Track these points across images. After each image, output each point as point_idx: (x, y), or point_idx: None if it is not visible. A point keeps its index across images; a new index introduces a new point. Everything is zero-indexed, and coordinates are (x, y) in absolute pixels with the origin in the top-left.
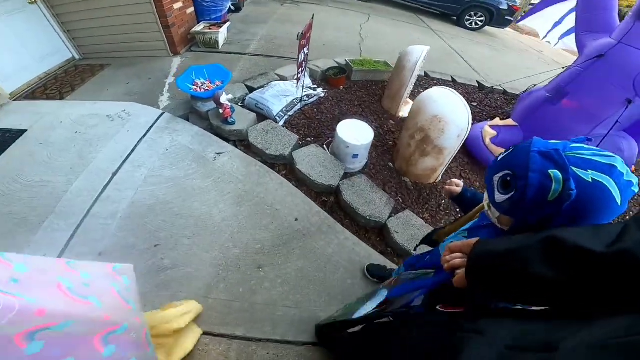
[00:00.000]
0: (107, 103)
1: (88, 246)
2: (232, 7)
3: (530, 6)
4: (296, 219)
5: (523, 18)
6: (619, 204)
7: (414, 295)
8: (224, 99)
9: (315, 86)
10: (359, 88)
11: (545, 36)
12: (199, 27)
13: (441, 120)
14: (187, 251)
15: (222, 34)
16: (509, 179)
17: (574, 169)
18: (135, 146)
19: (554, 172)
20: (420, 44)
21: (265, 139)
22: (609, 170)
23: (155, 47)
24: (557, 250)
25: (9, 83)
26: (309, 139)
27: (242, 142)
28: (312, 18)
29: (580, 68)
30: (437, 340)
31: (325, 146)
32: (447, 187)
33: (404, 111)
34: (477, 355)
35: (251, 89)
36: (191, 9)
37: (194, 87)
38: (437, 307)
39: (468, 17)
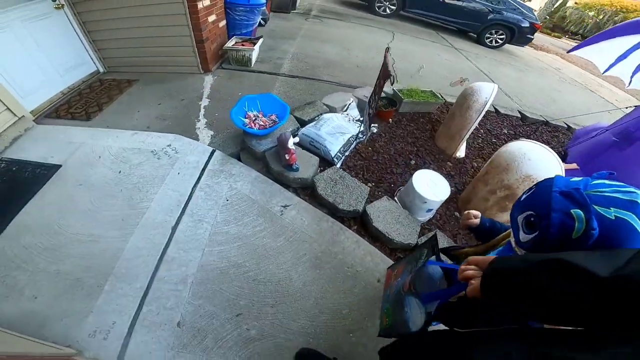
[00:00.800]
0: (148, 135)
1: (163, 315)
2: (262, 22)
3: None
4: (378, 280)
5: (576, 48)
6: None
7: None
8: (291, 143)
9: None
10: (408, 121)
11: (607, 70)
12: (231, 43)
13: (534, 180)
14: (273, 320)
15: (255, 52)
16: (532, 219)
17: (596, 207)
18: (191, 194)
19: (577, 212)
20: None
21: (335, 190)
22: (631, 206)
23: (186, 62)
24: (562, 272)
25: (30, 99)
26: (370, 184)
27: (304, 190)
28: (388, 50)
29: None
30: None
31: (396, 198)
32: (465, 221)
33: (461, 151)
34: None
35: (301, 122)
36: (223, 22)
37: (247, 120)
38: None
39: (488, 35)
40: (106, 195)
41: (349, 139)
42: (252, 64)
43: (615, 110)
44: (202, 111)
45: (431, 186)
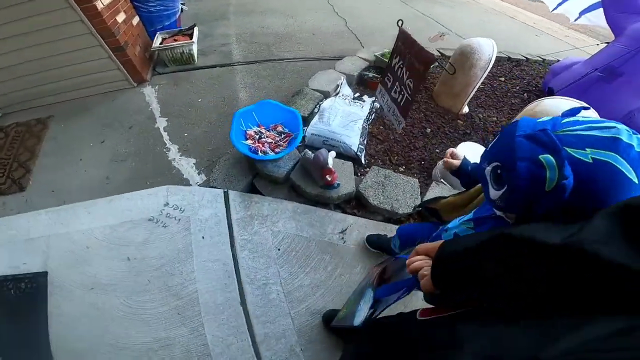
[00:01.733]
0: (128, 198)
1: None
2: (183, 7)
3: None
4: None
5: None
6: (636, 180)
7: (398, 295)
8: (331, 161)
9: (359, 94)
10: None
11: (556, 8)
12: (157, 41)
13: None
14: None
15: (195, 44)
16: (499, 171)
17: (568, 150)
18: (235, 258)
19: (546, 158)
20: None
21: (386, 194)
22: (612, 144)
23: (107, 78)
24: (509, 246)
25: None
26: (401, 168)
27: (347, 202)
28: (401, 23)
29: (633, 51)
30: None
31: (436, 174)
32: (446, 160)
33: (465, 107)
34: None
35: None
36: (137, 19)
37: (250, 142)
38: (417, 315)
39: None
40: (135, 292)
41: (362, 126)
42: (196, 59)
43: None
44: (166, 136)
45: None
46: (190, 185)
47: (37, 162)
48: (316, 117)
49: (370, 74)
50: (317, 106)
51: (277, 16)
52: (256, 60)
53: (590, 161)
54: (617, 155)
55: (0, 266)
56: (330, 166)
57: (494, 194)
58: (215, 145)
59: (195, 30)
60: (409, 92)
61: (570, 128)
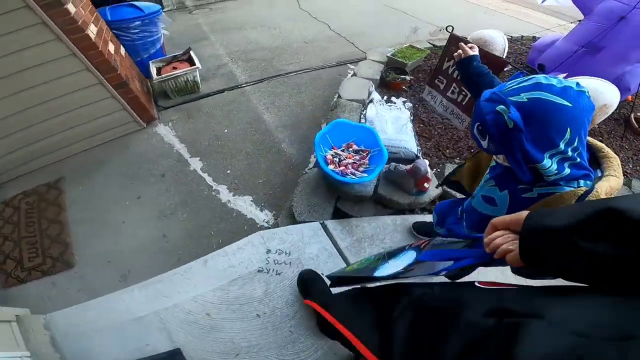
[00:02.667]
0: (222, 255)
1: None
2: (165, 32)
3: None
4: None
5: None
6: (568, 104)
7: (445, 265)
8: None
9: (386, 97)
10: (414, 82)
11: None
12: (153, 72)
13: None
14: None
15: (198, 70)
16: (480, 127)
17: (510, 98)
18: None
19: (499, 107)
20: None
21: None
22: (536, 86)
23: (115, 122)
24: (619, 223)
25: None
26: (456, 160)
27: (433, 203)
28: (451, 30)
29: (607, 27)
30: (476, 327)
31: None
32: (460, 49)
33: None
34: (542, 345)
35: None
36: (123, 50)
37: (332, 166)
38: (476, 283)
39: None
40: (283, 346)
41: (411, 127)
42: (200, 86)
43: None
44: (207, 177)
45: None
46: (258, 224)
47: (72, 233)
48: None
49: (391, 76)
50: (362, 116)
51: (259, 30)
52: (263, 78)
53: (526, 100)
54: (541, 92)
55: (126, 353)
56: (429, 175)
57: (484, 144)
58: (265, 177)
59: (193, 55)
60: (461, 99)
61: (509, 86)
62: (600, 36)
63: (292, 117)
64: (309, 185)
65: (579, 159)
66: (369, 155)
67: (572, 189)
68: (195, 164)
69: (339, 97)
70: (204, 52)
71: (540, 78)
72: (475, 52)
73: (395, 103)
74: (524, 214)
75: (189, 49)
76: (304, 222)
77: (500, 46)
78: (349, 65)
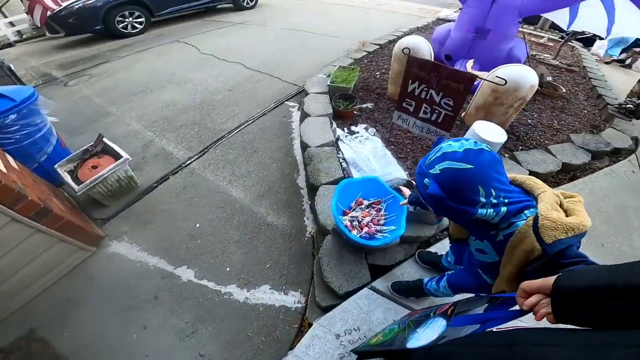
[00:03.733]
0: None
1: None
2: (53, 118)
3: None
4: None
5: None
6: (471, 166)
7: (474, 328)
8: None
9: (346, 129)
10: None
11: None
12: (65, 177)
13: (534, 85)
14: None
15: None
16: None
17: (430, 171)
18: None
19: (425, 180)
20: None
21: None
22: (442, 157)
23: (56, 258)
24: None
25: None
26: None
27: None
28: (408, 52)
29: (485, 11)
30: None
31: None
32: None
33: None
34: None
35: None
36: (12, 160)
37: (355, 231)
38: (493, 329)
39: None
40: None
41: (389, 154)
42: (137, 181)
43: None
44: (208, 283)
45: (489, 131)
46: (291, 308)
47: None
48: (354, 172)
49: (342, 105)
50: (342, 159)
51: (168, 88)
52: (207, 147)
53: (439, 172)
54: (447, 161)
55: None
56: None
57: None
58: (271, 260)
59: (110, 142)
60: (449, 109)
61: (430, 157)
62: (482, 20)
63: (262, 183)
64: (333, 256)
65: (507, 200)
66: (384, 206)
67: (524, 221)
68: (186, 273)
69: (308, 146)
70: (115, 133)
71: (445, 147)
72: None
73: (358, 132)
74: (550, 280)
75: (101, 136)
76: (347, 292)
77: (426, 50)
78: (287, 103)
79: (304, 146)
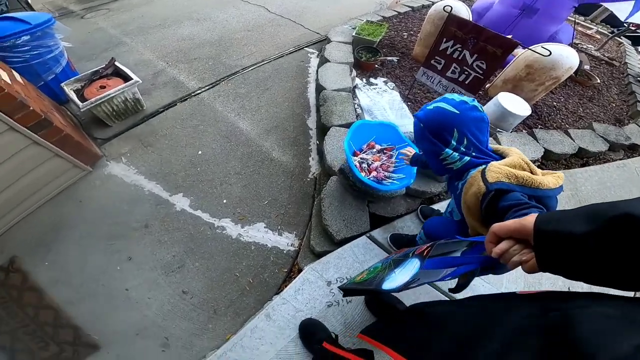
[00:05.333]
0: (280, 303)
1: None
2: (66, 44)
3: None
4: None
5: None
6: (456, 112)
7: (449, 271)
8: None
9: (365, 80)
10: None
11: None
12: (72, 96)
13: (572, 68)
14: None
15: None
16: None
17: (426, 107)
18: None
19: (416, 114)
20: None
21: None
22: (441, 100)
23: (49, 175)
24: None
25: None
26: None
27: None
28: (449, 9)
29: None
30: (516, 327)
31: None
32: (406, 155)
33: None
34: (600, 324)
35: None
36: (18, 76)
37: (364, 174)
38: (516, 292)
39: None
40: None
41: (406, 108)
42: (144, 104)
43: None
44: (203, 215)
45: (513, 103)
46: (284, 250)
47: (74, 315)
48: (368, 119)
49: (365, 57)
50: (357, 106)
51: (187, 24)
52: (219, 80)
53: (432, 107)
54: (442, 102)
55: None
56: None
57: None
58: (270, 196)
59: (121, 65)
60: (480, 72)
61: (429, 105)
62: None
63: (271, 119)
64: (335, 198)
65: (474, 154)
66: (396, 153)
67: (478, 169)
68: (181, 202)
69: (324, 88)
70: (126, 60)
71: (447, 95)
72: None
73: (377, 84)
74: (528, 220)
75: (113, 59)
76: (345, 239)
77: (465, 16)
78: (306, 49)
79: (320, 89)
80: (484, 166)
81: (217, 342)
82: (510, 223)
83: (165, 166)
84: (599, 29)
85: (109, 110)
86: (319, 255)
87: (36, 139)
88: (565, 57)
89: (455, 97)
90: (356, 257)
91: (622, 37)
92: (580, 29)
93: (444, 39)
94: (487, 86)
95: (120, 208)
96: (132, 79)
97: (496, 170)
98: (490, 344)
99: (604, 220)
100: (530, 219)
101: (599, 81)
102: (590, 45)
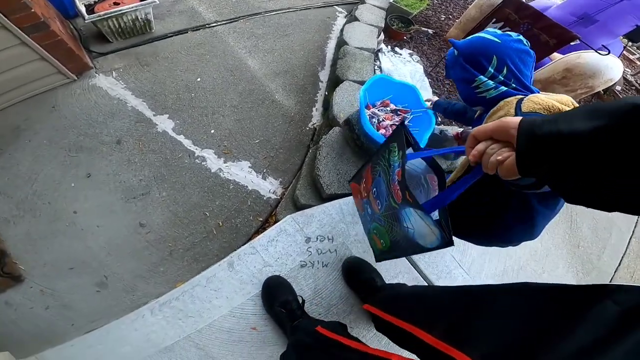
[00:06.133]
0: (247, 252)
1: None
2: None
3: None
4: None
5: None
6: (498, 40)
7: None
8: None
9: (389, 47)
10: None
11: None
12: (82, 9)
13: (613, 81)
14: None
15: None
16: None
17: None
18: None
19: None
20: None
21: None
22: (485, 31)
23: (29, 76)
24: None
25: None
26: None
27: None
28: None
29: (610, 4)
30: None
31: None
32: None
33: None
34: None
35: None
36: None
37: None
38: None
39: None
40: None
41: (427, 82)
42: (154, 26)
43: None
44: (185, 141)
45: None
46: (264, 196)
47: (5, 235)
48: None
49: (397, 25)
50: (377, 67)
51: None
52: (238, 17)
53: (472, 37)
54: (484, 33)
55: None
56: None
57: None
58: (262, 136)
59: None
60: None
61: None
62: (597, 10)
63: (283, 63)
64: (333, 149)
65: (514, 85)
66: (411, 117)
67: (516, 97)
68: (164, 123)
69: (346, 44)
70: None
71: (489, 30)
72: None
73: (401, 54)
74: (509, 119)
75: None
76: (334, 195)
77: None
78: (336, 7)
79: (342, 44)
80: (522, 96)
81: (165, 288)
82: (490, 124)
83: (158, 86)
84: None
85: (115, 27)
86: (301, 209)
87: (25, 39)
88: (609, 68)
89: (497, 31)
90: (343, 217)
91: None
92: (624, 52)
93: (494, 19)
94: None
95: (95, 119)
96: (150, 1)
97: (537, 101)
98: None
99: (610, 116)
100: (512, 118)
101: None
102: (627, 70)
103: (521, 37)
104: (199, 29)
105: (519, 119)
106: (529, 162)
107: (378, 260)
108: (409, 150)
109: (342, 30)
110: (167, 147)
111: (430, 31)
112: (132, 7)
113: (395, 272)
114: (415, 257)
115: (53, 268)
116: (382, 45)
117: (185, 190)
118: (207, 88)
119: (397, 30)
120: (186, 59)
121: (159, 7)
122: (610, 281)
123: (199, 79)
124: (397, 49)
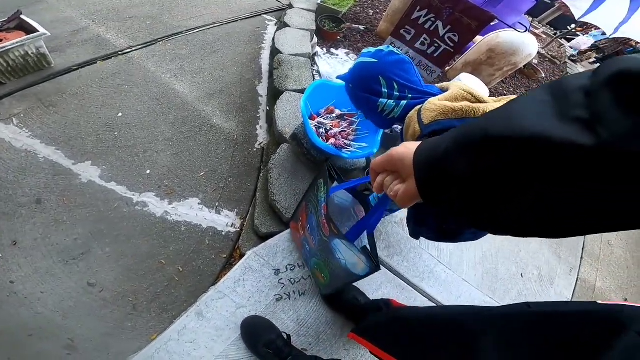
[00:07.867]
0: (222, 290)
1: None
2: None
3: None
4: None
5: None
6: (374, 60)
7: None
8: None
9: (325, 49)
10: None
11: None
12: None
13: (532, 55)
14: None
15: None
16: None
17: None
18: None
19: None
20: None
21: None
22: (360, 55)
23: None
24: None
25: None
26: None
27: None
28: None
29: None
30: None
31: None
32: None
33: None
34: None
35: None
36: None
37: (332, 142)
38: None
39: None
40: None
41: None
42: (52, 61)
43: None
44: (117, 187)
45: (475, 85)
46: (222, 232)
47: None
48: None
49: (328, 26)
50: (315, 72)
51: None
52: (156, 39)
53: (353, 66)
54: (360, 58)
55: None
56: None
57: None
58: (207, 167)
59: (27, 19)
60: (451, 45)
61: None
62: None
63: (215, 83)
64: (285, 169)
65: (411, 95)
66: (358, 121)
67: (416, 109)
68: (88, 171)
69: (280, 52)
70: (42, 19)
71: (364, 50)
72: None
73: (338, 55)
74: (395, 151)
75: (19, 11)
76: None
77: None
78: (264, 16)
79: (275, 52)
80: (420, 105)
81: (140, 342)
82: (380, 157)
83: (71, 129)
84: (545, 30)
85: (4, 66)
86: (264, 238)
87: None
88: (526, 45)
89: (371, 49)
90: None
91: (563, 39)
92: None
93: (418, 7)
94: (447, 68)
95: (5, 178)
96: (40, 34)
97: (431, 108)
98: None
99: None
100: (398, 149)
101: (543, 75)
102: (538, 44)
103: (391, 48)
104: (110, 57)
105: (403, 150)
106: (429, 191)
107: (324, 293)
108: (337, 184)
109: (273, 39)
110: (98, 198)
111: (361, 27)
112: (17, 43)
113: (377, 284)
114: (394, 264)
115: (10, 336)
116: (318, 49)
117: (132, 242)
118: (132, 123)
119: (330, 30)
120: (100, 93)
121: (55, 39)
122: (582, 248)
123: (120, 114)
124: (332, 50)
